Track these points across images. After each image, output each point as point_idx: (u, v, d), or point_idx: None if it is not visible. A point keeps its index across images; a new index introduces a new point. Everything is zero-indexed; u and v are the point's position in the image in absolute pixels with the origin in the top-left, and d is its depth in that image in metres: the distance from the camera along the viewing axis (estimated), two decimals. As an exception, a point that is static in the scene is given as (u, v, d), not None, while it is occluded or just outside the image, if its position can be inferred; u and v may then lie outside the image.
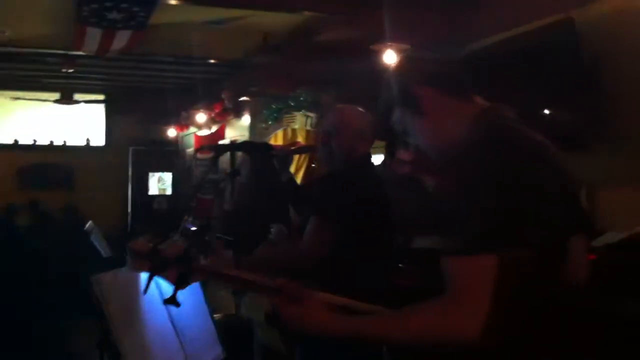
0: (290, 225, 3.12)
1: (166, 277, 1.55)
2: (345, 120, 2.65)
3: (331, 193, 2.54)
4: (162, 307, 2.37)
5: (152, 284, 2.29)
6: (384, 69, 5.16)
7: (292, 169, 6.41)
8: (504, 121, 1.59)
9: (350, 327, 1.51)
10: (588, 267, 1.70)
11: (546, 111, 4.13)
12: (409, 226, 2.77)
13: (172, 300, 1.57)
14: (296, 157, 6.58)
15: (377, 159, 4.41)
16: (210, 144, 8.28)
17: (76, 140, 10.35)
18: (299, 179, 6.51)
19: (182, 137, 10.50)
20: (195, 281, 1.57)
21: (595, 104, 3.98)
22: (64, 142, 10.26)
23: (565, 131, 3.92)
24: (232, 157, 7.50)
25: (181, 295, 2.49)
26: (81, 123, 10.31)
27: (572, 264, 1.62)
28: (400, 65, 1.76)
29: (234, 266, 2.45)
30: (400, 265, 2.10)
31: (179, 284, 1.55)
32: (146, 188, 10.64)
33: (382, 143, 4.62)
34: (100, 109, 10.48)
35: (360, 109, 2.72)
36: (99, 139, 10.54)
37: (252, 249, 2.72)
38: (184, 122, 9.62)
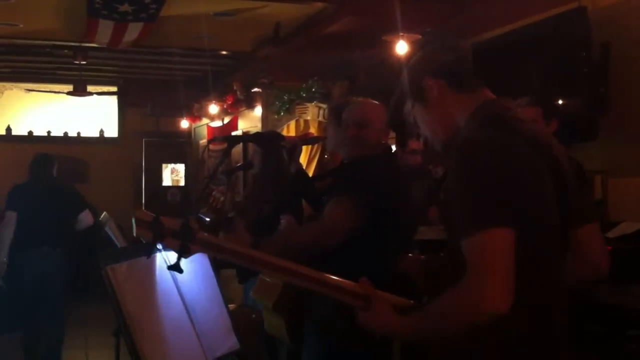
0: (301, 217, 3.13)
1: (167, 245, 1.60)
2: (377, 113, 2.75)
3: (363, 175, 2.61)
4: (177, 297, 2.39)
5: (168, 273, 2.33)
6: (396, 60, 5.16)
7: (304, 160, 6.43)
8: (500, 112, 1.62)
9: (409, 325, 1.54)
10: (606, 253, 1.71)
11: (559, 101, 4.12)
12: (418, 216, 2.80)
13: (175, 267, 1.62)
14: (308, 148, 6.58)
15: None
16: (223, 135, 8.30)
17: (90, 131, 10.41)
18: (311, 170, 6.52)
19: (195, 129, 10.54)
20: (196, 252, 1.61)
21: (605, 92, 3.97)
22: (78, 133, 10.33)
23: (576, 121, 3.90)
24: (245, 148, 7.53)
25: (197, 285, 2.53)
26: (95, 115, 10.37)
27: (589, 252, 1.65)
28: (415, 58, 1.80)
29: (252, 246, 2.48)
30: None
31: (181, 252, 1.60)
32: (160, 179, 10.71)
33: (393, 135, 4.64)
34: (113, 100, 10.54)
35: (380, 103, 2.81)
36: (112, 131, 10.60)
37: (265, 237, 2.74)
38: (197, 114, 9.66)
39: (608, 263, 1.70)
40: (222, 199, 3.16)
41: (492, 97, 1.68)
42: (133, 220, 1.62)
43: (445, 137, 1.70)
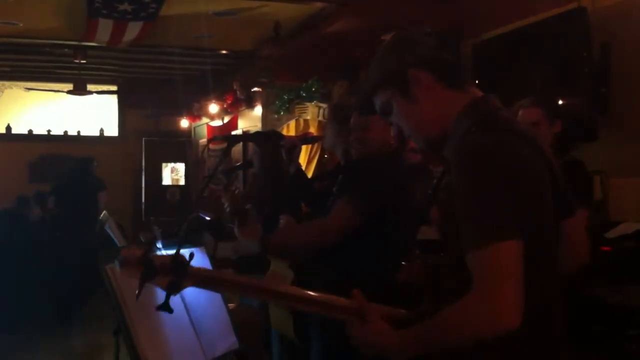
0: (300, 217, 3.13)
1: (157, 284, 1.51)
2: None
3: (366, 176, 2.59)
4: (177, 297, 2.38)
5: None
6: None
7: (304, 160, 6.42)
8: (492, 111, 1.55)
9: (408, 342, 1.46)
10: (588, 243, 1.71)
11: (559, 101, 4.11)
12: (418, 216, 2.79)
13: (164, 307, 1.53)
14: (308, 147, 6.58)
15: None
16: (223, 135, 8.29)
17: (90, 130, 10.41)
18: (311, 170, 6.51)
19: (195, 128, 10.54)
20: (187, 287, 1.53)
21: (605, 92, 3.96)
22: (78, 132, 10.32)
23: (576, 121, 3.90)
24: (244, 147, 7.53)
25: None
26: (95, 114, 10.37)
27: (571, 242, 1.63)
28: (396, 45, 1.62)
29: (262, 241, 2.48)
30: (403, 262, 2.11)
31: (171, 290, 1.51)
32: (159, 178, 10.71)
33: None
34: (113, 99, 10.53)
35: None
36: (112, 130, 10.60)
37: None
38: (197, 113, 9.66)
39: (589, 251, 1.70)
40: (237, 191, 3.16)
41: (480, 94, 1.59)
42: (116, 262, 1.48)
43: (431, 134, 1.59)
